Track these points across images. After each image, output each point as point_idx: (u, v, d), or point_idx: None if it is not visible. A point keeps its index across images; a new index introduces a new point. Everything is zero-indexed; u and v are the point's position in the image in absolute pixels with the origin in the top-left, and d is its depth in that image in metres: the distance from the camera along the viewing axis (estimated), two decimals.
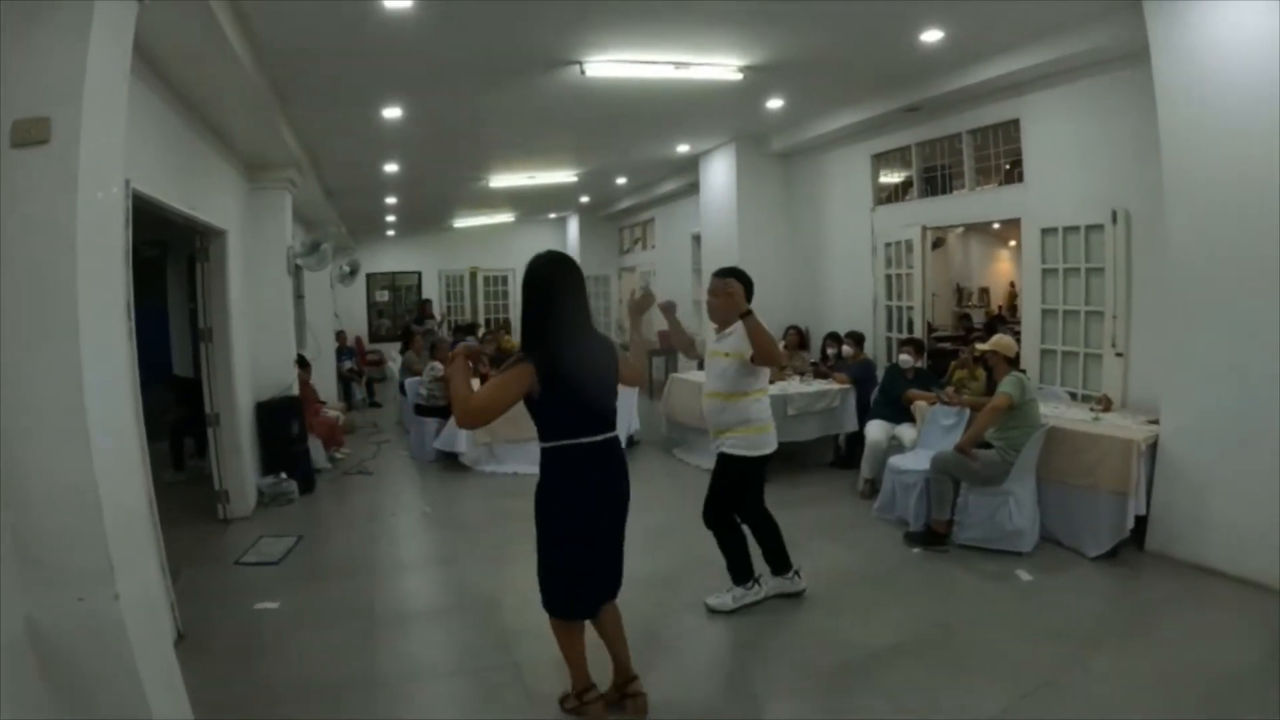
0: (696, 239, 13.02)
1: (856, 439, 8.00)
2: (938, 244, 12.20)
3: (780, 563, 4.94)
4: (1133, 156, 6.19)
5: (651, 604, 4.66)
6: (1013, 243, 14.37)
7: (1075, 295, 6.93)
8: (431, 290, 20.57)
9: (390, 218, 16.97)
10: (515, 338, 14.41)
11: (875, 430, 7.35)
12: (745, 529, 4.86)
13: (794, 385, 8.22)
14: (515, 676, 4.02)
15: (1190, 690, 3.69)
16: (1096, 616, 4.66)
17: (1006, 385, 5.57)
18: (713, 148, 11.30)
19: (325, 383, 11.82)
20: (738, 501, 4.75)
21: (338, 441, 9.80)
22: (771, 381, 7.98)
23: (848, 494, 7.38)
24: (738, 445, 4.56)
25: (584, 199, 16.54)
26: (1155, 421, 5.58)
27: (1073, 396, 6.91)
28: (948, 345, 10.31)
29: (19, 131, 2.54)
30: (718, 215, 11.47)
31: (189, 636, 4.44)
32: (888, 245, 9.29)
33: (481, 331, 13.26)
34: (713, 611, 4.71)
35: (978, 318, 13.65)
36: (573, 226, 19.54)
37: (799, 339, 9.91)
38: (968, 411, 6.40)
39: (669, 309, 4.85)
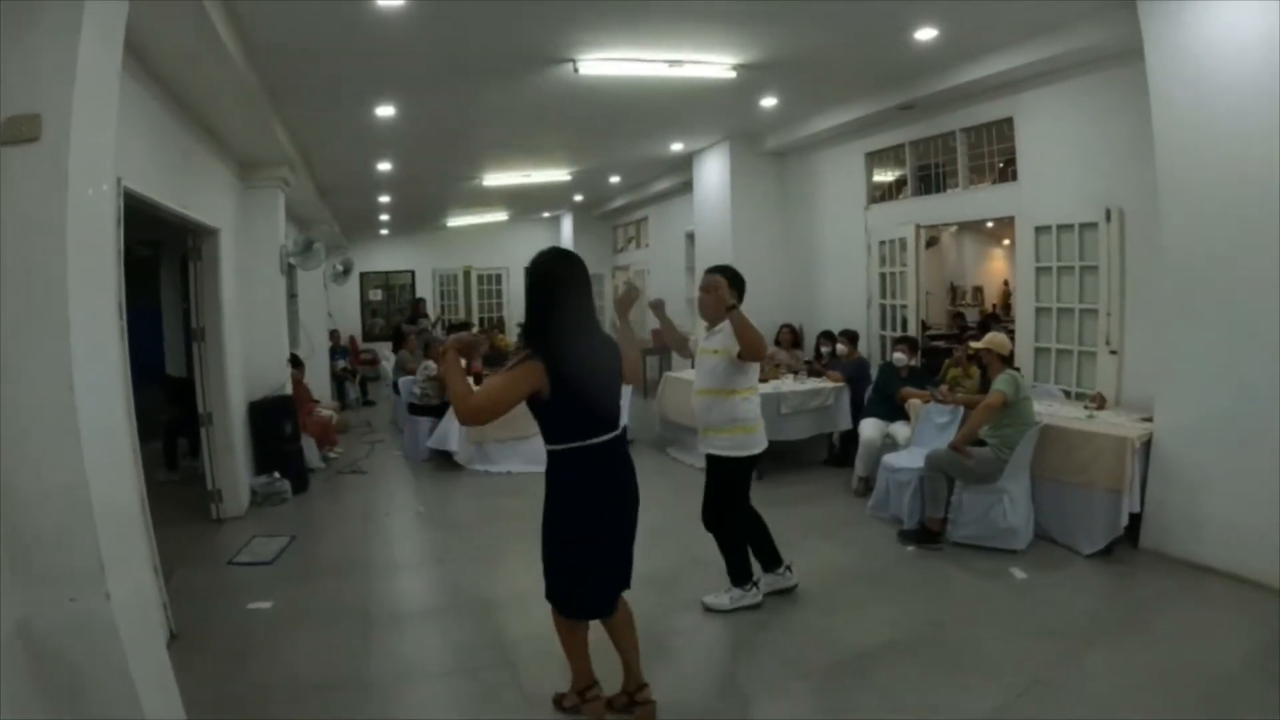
0: (690, 237, 13.01)
1: (850, 437, 7.98)
2: (931, 243, 12.21)
3: (770, 559, 4.93)
4: (1126, 155, 6.21)
5: (648, 603, 4.64)
6: (1006, 241, 14.44)
7: (1069, 293, 6.94)
8: (425, 289, 20.55)
9: (384, 217, 16.94)
10: (510, 337, 14.41)
11: (869, 428, 7.34)
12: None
13: (788, 383, 8.22)
14: (510, 676, 4.01)
15: (1185, 688, 3.70)
16: (1091, 614, 4.66)
17: (1000, 383, 5.57)
18: (706, 146, 11.29)
19: (319, 382, 11.81)
20: (734, 501, 4.73)
21: (331, 441, 9.78)
22: (765, 380, 8.08)
23: (842, 492, 7.39)
24: (726, 446, 4.55)
25: (578, 197, 16.51)
26: (1149, 419, 5.60)
27: (1067, 394, 6.92)
28: (942, 344, 10.32)
29: (9, 129, 2.52)
30: (711, 214, 11.47)
31: (182, 636, 4.42)
32: (881, 244, 9.29)
33: (475, 330, 13.23)
34: (709, 610, 4.71)
35: (972, 316, 13.68)
36: (566, 225, 19.52)
37: (793, 337, 9.90)
38: (962, 409, 6.39)
39: (658, 306, 4.84)
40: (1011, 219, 7.71)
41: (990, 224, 12.69)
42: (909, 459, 6.30)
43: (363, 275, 19.57)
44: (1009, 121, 7.57)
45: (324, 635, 4.56)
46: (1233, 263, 4.95)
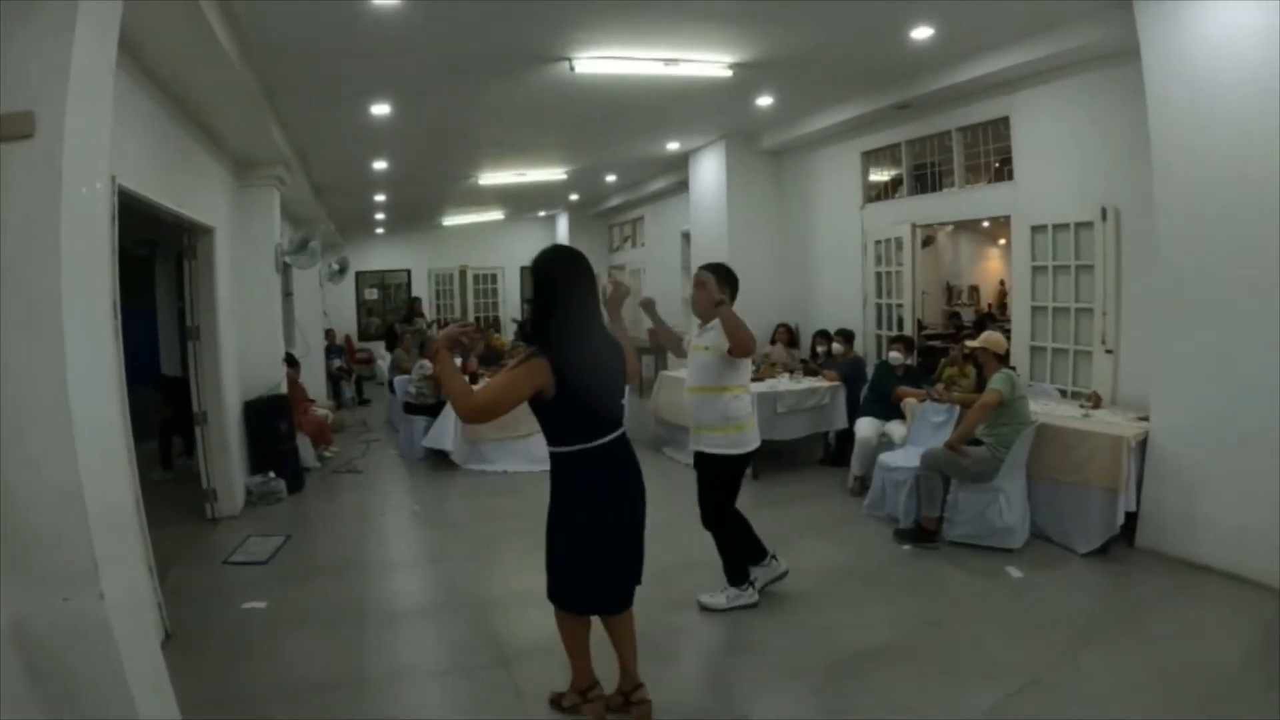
0: (686, 237, 12.99)
1: (846, 436, 7.98)
2: (927, 242, 12.20)
3: (756, 551, 4.91)
4: (1123, 154, 6.21)
5: (643, 602, 4.61)
6: (1002, 241, 14.46)
7: (1065, 292, 6.94)
8: (421, 288, 20.52)
9: (379, 215, 16.92)
10: (506, 336, 14.40)
11: (865, 427, 7.35)
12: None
13: (783, 383, 8.22)
14: (506, 675, 4.00)
15: (1182, 687, 3.70)
16: (1087, 613, 4.67)
17: (996, 382, 5.57)
18: (702, 145, 11.29)
19: (314, 381, 11.78)
20: (730, 498, 4.72)
21: (326, 440, 9.77)
22: (761, 379, 8.08)
23: (837, 491, 7.38)
24: (720, 444, 4.54)
25: (573, 196, 16.51)
26: (1145, 418, 5.60)
27: (1063, 393, 6.93)
28: (937, 343, 10.32)
29: (3, 126, 2.50)
30: (707, 213, 11.47)
31: (176, 636, 4.41)
32: (877, 243, 9.31)
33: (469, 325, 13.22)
34: (705, 610, 4.70)
35: (967, 316, 13.68)
36: (562, 224, 19.52)
37: (789, 336, 9.92)
38: (957, 409, 6.39)
39: (648, 305, 4.84)
40: (1007, 218, 7.72)
41: (986, 224, 12.67)
42: (905, 458, 6.30)
43: (358, 274, 19.56)
44: (1005, 121, 7.57)
45: (319, 635, 4.55)
46: (1229, 262, 4.95)
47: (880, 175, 9.63)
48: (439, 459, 8.83)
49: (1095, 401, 6.28)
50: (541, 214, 19.84)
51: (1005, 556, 5.45)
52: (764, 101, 8.67)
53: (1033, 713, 3.53)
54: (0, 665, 2.42)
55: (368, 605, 5.00)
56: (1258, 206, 4.72)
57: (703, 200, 11.58)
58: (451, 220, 18.77)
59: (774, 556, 4.92)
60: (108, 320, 3.24)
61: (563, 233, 19.38)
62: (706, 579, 4.88)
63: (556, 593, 3.38)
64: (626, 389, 3.55)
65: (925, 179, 8.81)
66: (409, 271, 20.80)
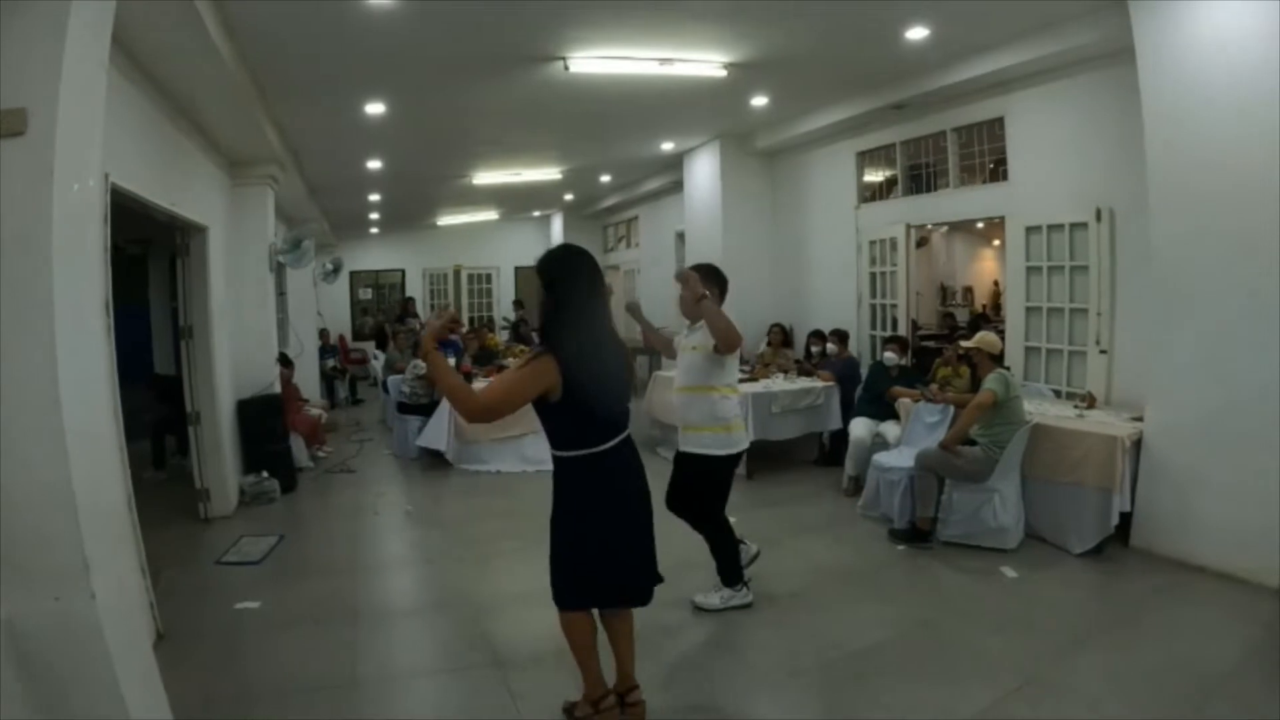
0: (681, 237, 13.00)
1: (841, 436, 7.99)
2: (922, 243, 12.22)
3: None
4: (1117, 155, 6.22)
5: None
6: (996, 242, 14.44)
7: (1059, 293, 6.95)
8: (415, 288, 20.48)
9: (374, 215, 16.89)
10: (501, 336, 14.37)
11: (859, 428, 7.35)
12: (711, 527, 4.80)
13: (778, 383, 8.22)
14: (498, 676, 3.98)
15: (1176, 686, 3.71)
16: (1081, 613, 4.69)
17: (991, 382, 5.57)
18: (697, 145, 11.29)
19: (308, 381, 11.76)
20: (721, 499, 4.71)
21: (320, 440, 9.75)
22: (755, 379, 8.08)
23: (832, 491, 7.39)
24: (709, 444, 4.51)
25: (568, 197, 16.49)
26: (1139, 418, 5.61)
27: (1057, 394, 6.94)
28: (932, 343, 10.32)
29: None
30: (702, 213, 11.47)
31: (169, 636, 4.39)
32: (872, 243, 9.31)
33: (464, 330, 13.19)
34: (699, 610, 4.70)
35: (962, 316, 13.69)
36: (557, 224, 19.50)
37: (783, 337, 9.91)
38: (952, 409, 6.41)
39: (634, 309, 4.84)
40: (1002, 219, 7.73)
41: (980, 224, 12.71)
42: (899, 458, 6.30)
43: (352, 274, 19.54)
44: (1000, 121, 7.58)
45: (312, 635, 4.53)
46: (1223, 262, 4.97)
47: (875, 176, 9.63)
48: (433, 459, 8.82)
49: (1090, 402, 6.29)
50: (536, 214, 19.82)
51: (1000, 557, 5.45)
52: (759, 102, 8.67)
53: (1027, 713, 3.53)
54: None
55: (361, 605, 4.99)
56: (1252, 208, 4.73)
57: (697, 201, 11.59)
58: (446, 220, 18.76)
59: (742, 541, 4.91)
60: (100, 319, 3.23)
61: (557, 233, 19.37)
62: (701, 579, 4.87)
63: (562, 594, 3.30)
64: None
65: (920, 179, 8.81)
66: (403, 271, 20.77)
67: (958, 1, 5.78)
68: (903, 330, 8.68)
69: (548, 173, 12.97)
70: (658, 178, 13.52)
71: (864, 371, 8.35)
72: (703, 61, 7.03)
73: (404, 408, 9.46)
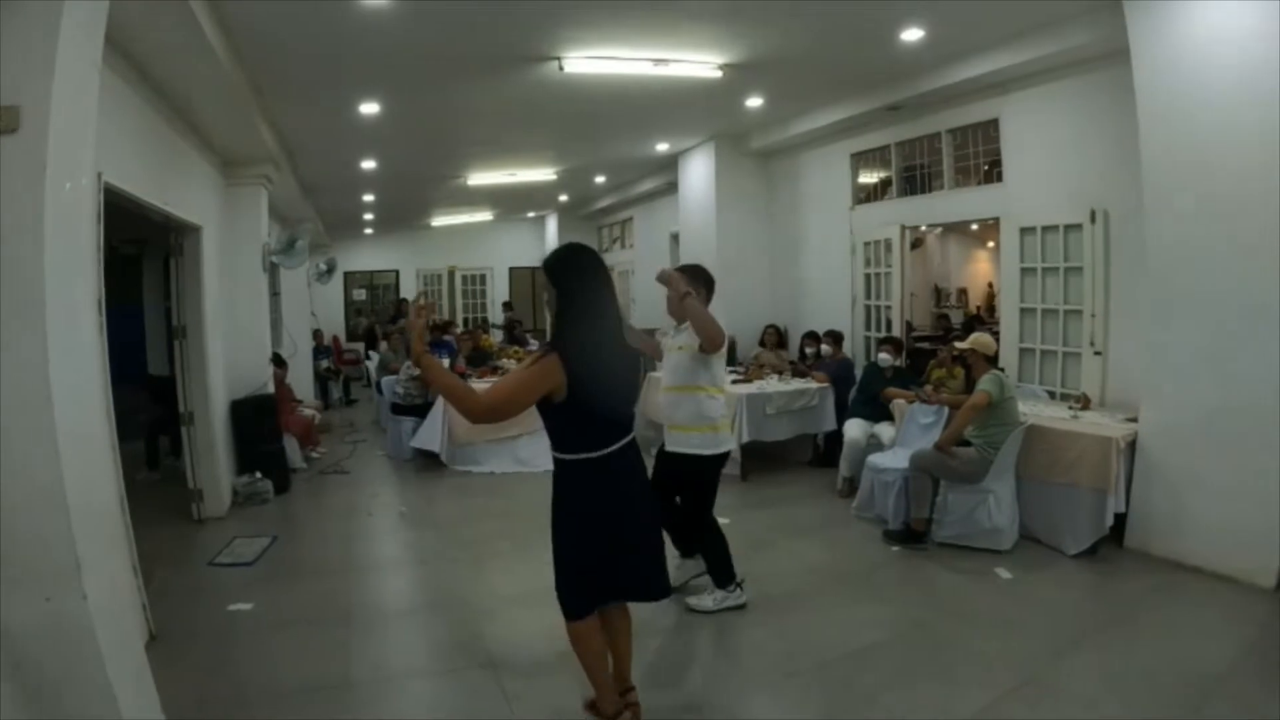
0: (675, 238, 12.99)
1: (835, 438, 7.97)
2: (916, 244, 12.26)
3: (689, 546, 5.06)
4: (1112, 156, 6.24)
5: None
6: (991, 244, 14.48)
7: (1054, 294, 6.97)
8: (410, 289, 20.44)
9: (368, 216, 16.86)
10: (495, 336, 14.36)
11: (854, 429, 7.34)
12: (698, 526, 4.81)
13: (772, 384, 8.21)
14: (492, 677, 3.97)
15: (1171, 686, 3.71)
16: (1076, 613, 4.69)
17: (985, 383, 5.57)
18: (692, 146, 11.28)
19: (302, 381, 11.75)
20: (710, 498, 4.71)
21: (314, 440, 9.73)
22: (750, 380, 8.08)
23: (826, 493, 7.38)
24: (695, 444, 4.50)
25: (563, 198, 16.48)
26: (1134, 419, 5.62)
27: (1051, 395, 6.95)
28: (926, 345, 10.34)
29: None
30: (696, 214, 11.46)
31: (162, 638, 4.38)
32: (867, 245, 9.31)
33: (459, 331, 13.17)
34: (693, 612, 4.69)
35: (956, 318, 13.72)
36: (551, 225, 19.48)
37: (778, 338, 9.91)
38: (946, 410, 6.41)
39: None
40: (996, 220, 7.74)
41: (975, 226, 12.74)
42: (894, 459, 6.30)
43: (346, 275, 19.50)
44: (994, 123, 7.60)
45: (305, 636, 4.51)
46: (1217, 263, 4.98)
47: (870, 177, 9.64)
48: (426, 460, 8.80)
49: (1084, 403, 6.29)
50: (531, 215, 19.80)
51: (994, 557, 5.46)
52: (754, 103, 8.67)
53: (1023, 713, 3.53)
54: None
55: (354, 607, 4.97)
56: (1248, 208, 4.75)
57: (692, 201, 11.58)
58: (440, 221, 18.74)
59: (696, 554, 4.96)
60: (92, 318, 3.22)
61: (552, 234, 19.35)
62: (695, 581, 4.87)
63: (569, 603, 3.21)
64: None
65: (914, 181, 8.83)
66: (397, 272, 20.73)
67: (953, 2, 5.79)
68: (897, 331, 8.68)
69: (542, 173, 12.95)
70: (652, 179, 13.51)
71: (858, 373, 8.35)
72: (698, 62, 7.02)
73: (398, 408, 9.44)
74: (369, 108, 7.81)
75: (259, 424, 7.74)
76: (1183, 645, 4.13)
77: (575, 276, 3.11)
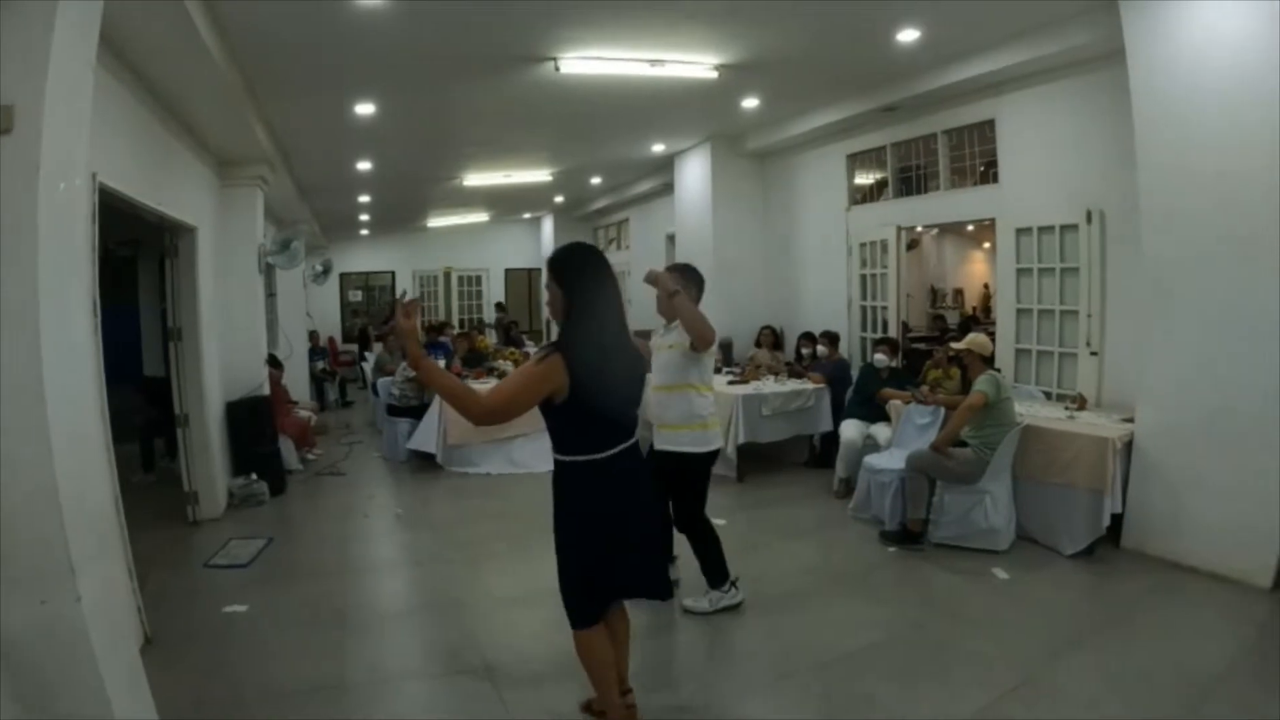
0: (671, 239, 12.99)
1: (831, 438, 7.97)
2: (912, 245, 12.25)
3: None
4: (1107, 156, 6.25)
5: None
6: (987, 244, 14.50)
7: (1050, 295, 6.97)
8: (406, 291, 20.35)
9: (364, 217, 16.83)
10: (490, 337, 14.35)
11: (850, 429, 7.34)
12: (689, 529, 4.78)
13: (768, 385, 8.20)
14: (488, 679, 3.96)
15: (1168, 686, 3.71)
16: (1073, 614, 4.68)
17: (982, 384, 5.57)
18: (688, 147, 11.29)
19: (298, 383, 11.73)
20: (702, 498, 4.69)
21: (309, 442, 9.71)
22: (746, 381, 8.07)
23: (822, 494, 7.37)
24: (686, 442, 4.49)
25: (558, 199, 16.49)
26: (1130, 419, 5.62)
27: (1047, 395, 6.95)
28: (922, 346, 10.34)
29: None
30: (692, 216, 11.47)
31: (157, 640, 4.36)
32: (862, 245, 9.32)
33: (454, 333, 13.15)
34: (689, 614, 4.68)
35: (952, 319, 13.71)
36: (547, 226, 19.47)
37: (774, 339, 9.91)
38: (943, 410, 6.41)
39: None
40: (992, 221, 7.75)
41: (970, 227, 12.74)
42: (890, 460, 6.29)
43: (342, 276, 19.49)
44: (990, 124, 7.61)
45: (300, 638, 4.50)
46: (1213, 264, 4.98)
47: (866, 178, 9.64)
48: (422, 461, 8.80)
49: (1080, 403, 6.29)
50: (526, 216, 19.81)
51: (991, 558, 5.45)
52: (749, 103, 8.67)
53: (1020, 714, 3.53)
54: None
55: (350, 608, 4.96)
56: (1242, 209, 4.75)
57: (688, 203, 11.59)
58: (436, 222, 18.73)
59: (675, 557, 4.94)
60: (86, 319, 3.20)
61: (548, 235, 19.35)
62: (690, 580, 4.88)
63: (575, 610, 3.16)
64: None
65: (910, 182, 8.83)
66: (393, 273, 20.71)
67: (949, 3, 5.78)
68: (893, 332, 8.69)
69: (538, 174, 12.95)
70: (648, 180, 13.52)
71: (854, 373, 8.34)
72: (694, 63, 7.03)
73: (393, 410, 9.43)
74: (364, 108, 7.80)
75: (254, 426, 7.72)
76: (1180, 645, 4.13)
77: (580, 275, 3.05)
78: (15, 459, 2.48)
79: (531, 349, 12.30)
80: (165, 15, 4.26)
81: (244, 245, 8.13)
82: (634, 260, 16.03)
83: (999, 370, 5.99)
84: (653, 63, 6.88)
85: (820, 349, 8.78)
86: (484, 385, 7.61)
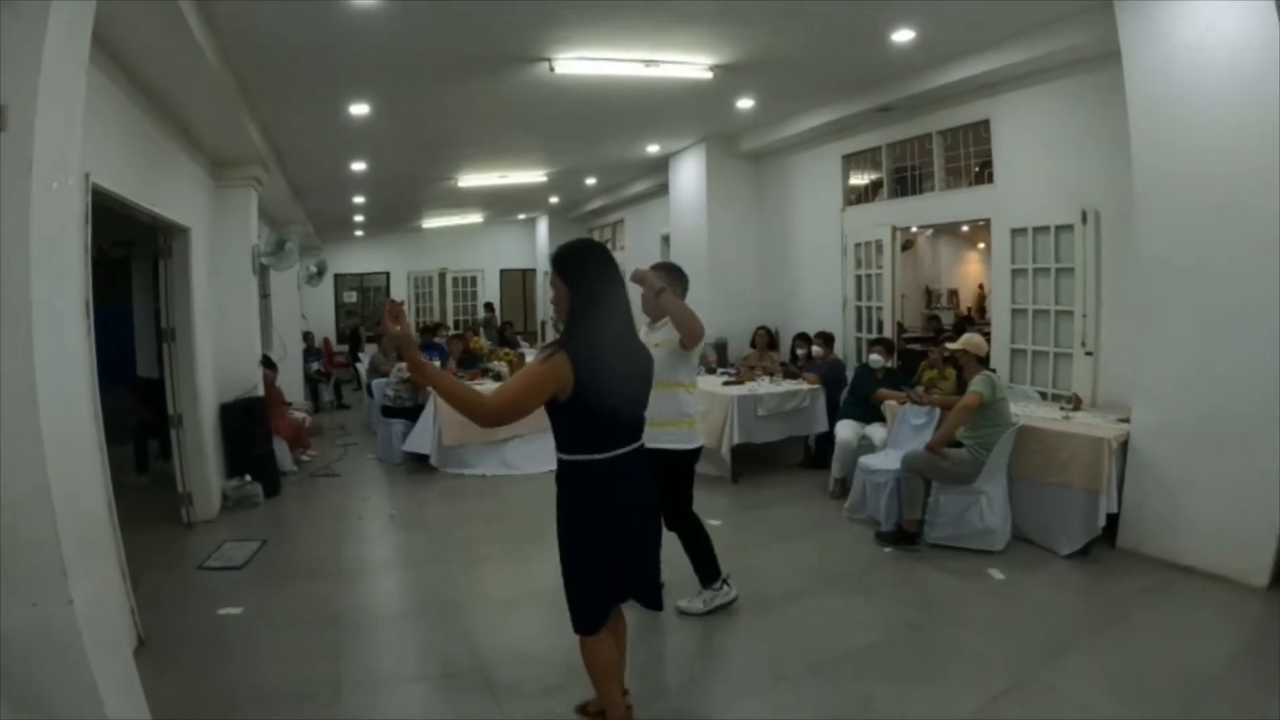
0: (666, 240, 12.99)
1: (826, 439, 7.97)
2: (907, 246, 12.26)
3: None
4: (1103, 157, 6.25)
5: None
6: (981, 245, 14.51)
7: (1045, 295, 6.98)
8: (400, 291, 20.42)
9: (358, 217, 16.82)
10: (485, 337, 14.33)
11: (845, 430, 7.34)
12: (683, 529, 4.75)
13: (763, 385, 8.19)
14: (483, 681, 3.95)
15: (1164, 686, 3.71)
16: (1069, 614, 4.68)
17: (977, 384, 5.57)
18: (683, 148, 11.29)
19: (292, 384, 11.70)
20: (689, 494, 4.69)
21: (304, 444, 9.69)
22: (741, 381, 8.07)
23: (818, 494, 7.37)
24: (673, 439, 4.46)
25: (553, 200, 16.49)
26: (1126, 419, 5.62)
27: (1043, 396, 6.96)
28: (917, 346, 10.35)
29: None
30: (687, 216, 11.47)
31: (151, 642, 4.34)
32: (857, 246, 9.33)
33: (450, 334, 13.13)
34: (683, 614, 4.67)
35: (947, 319, 13.74)
36: (542, 227, 19.48)
37: (768, 339, 9.90)
38: (938, 411, 6.41)
39: None
40: (987, 221, 7.74)
41: (965, 227, 12.76)
42: (885, 460, 6.29)
43: (337, 277, 19.50)
44: (985, 124, 7.61)
45: (294, 640, 4.49)
46: (1208, 264, 4.98)
47: (860, 178, 9.64)
48: (417, 462, 8.78)
49: (1076, 403, 6.30)
50: (521, 217, 19.81)
51: (987, 558, 5.45)
52: (744, 104, 8.67)
53: (1016, 714, 3.53)
54: None
55: (345, 610, 4.94)
56: (1238, 209, 4.75)
57: (683, 203, 11.59)
58: (431, 223, 18.74)
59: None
60: (79, 320, 3.19)
61: (543, 236, 19.36)
62: (685, 580, 4.84)
63: (580, 615, 3.10)
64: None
65: (905, 182, 8.83)
66: (388, 274, 20.72)
67: (944, 3, 5.78)
68: (888, 333, 8.69)
69: (533, 175, 12.95)
70: (643, 180, 13.52)
71: (849, 374, 8.35)
72: (689, 63, 7.02)
73: (388, 411, 9.41)
74: (359, 109, 7.78)
75: (249, 427, 7.70)
76: (1176, 645, 4.13)
77: (585, 272, 3.01)
78: (7, 460, 2.47)
79: (527, 350, 12.29)
80: (158, 15, 4.24)
81: (238, 246, 8.11)
82: (629, 261, 15.88)
83: (994, 370, 5.99)
84: (647, 63, 6.88)
85: (815, 349, 8.77)
86: (480, 386, 7.61)
